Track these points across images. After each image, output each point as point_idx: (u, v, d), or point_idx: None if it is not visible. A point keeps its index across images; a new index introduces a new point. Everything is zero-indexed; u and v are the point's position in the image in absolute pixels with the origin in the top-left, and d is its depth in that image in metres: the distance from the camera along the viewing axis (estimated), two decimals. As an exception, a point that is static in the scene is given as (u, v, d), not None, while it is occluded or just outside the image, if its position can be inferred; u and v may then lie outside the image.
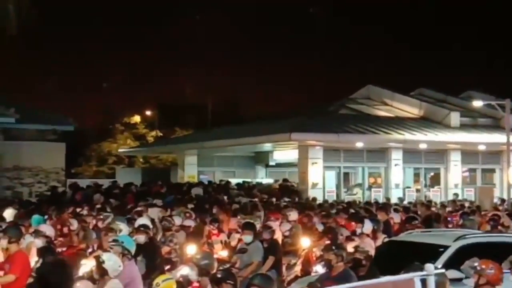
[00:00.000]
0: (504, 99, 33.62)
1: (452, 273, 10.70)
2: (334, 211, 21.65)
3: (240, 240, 15.25)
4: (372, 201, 30.14)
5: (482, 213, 22.58)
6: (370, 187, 36.18)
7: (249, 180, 37.56)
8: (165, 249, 14.53)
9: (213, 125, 50.57)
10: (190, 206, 22.91)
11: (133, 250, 11.30)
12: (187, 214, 19.04)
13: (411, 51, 71.22)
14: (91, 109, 67.35)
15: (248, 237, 14.19)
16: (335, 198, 32.79)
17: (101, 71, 71.72)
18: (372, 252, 13.20)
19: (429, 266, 5.75)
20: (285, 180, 35.66)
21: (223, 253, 15.71)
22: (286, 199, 28.24)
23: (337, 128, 33.77)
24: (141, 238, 13.63)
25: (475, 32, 72.74)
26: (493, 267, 9.15)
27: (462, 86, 46.71)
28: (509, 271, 9.40)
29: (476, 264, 9.18)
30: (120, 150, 53.50)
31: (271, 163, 42.18)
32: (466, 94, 44.09)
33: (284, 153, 39.11)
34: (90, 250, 14.72)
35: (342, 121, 35.65)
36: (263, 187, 34.48)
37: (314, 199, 28.94)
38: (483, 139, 36.19)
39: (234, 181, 36.16)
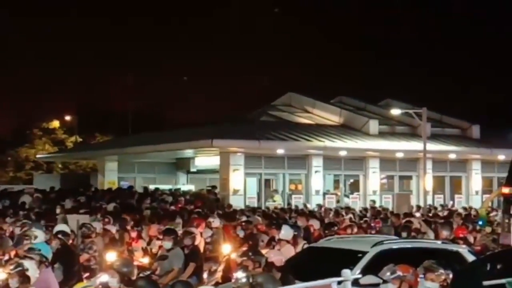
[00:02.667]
0: (421, 107, 34.45)
1: (370, 279, 10.91)
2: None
3: (161, 246, 15.17)
4: (293, 207, 30.46)
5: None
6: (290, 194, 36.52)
7: (171, 186, 37.42)
8: (84, 256, 14.32)
9: (137, 131, 50.06)
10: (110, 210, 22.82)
11: (49, 257, 11.12)
12: (106, 220, 18.81)
13: (332, 58, 72.22)
14: (8, 113, 65.64)
15: (168, 243, 14.14)
16: (256, 204, 32.95)
17: (18, 73, 70.01)
18: (282, 259, 13.22)
19: (345, 272, 5.86)
20: (214, 187, 35.34)
21: (144, 260, 15.59)
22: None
23: (258, 135, 33.94)
24: (56, 245, 13.42)
25: (394, 40, 74.23)
26: (413, 272, 9.40)
27: (381, 95, 47.65)
28: (423, 276, 9.63)
29: (395, 270, 9.38)
30: (38, 155, 52.47)
31: (192, 170, 42.06)
32: (385, 103, 44.96)
33: (206, 159, 39.05)
34: (6, 258, 14.37)
35: (263, 128, 35.86)
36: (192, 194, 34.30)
37: (230, 206, 28.86)
38: (400, 146, 36.94)
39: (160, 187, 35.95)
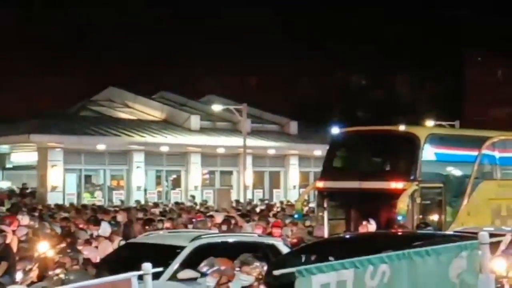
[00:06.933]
0: (241, 104, 35.09)
1: (188, 273, 11.01)
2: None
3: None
4: (114, 203, 30.15)
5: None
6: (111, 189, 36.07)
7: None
8: None
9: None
10: None
11: None
12: None
13: (155, 52, 71.91)
14: None
15: (-22, 243, 13.55)
16: (75, 201, 32.30)
17: None
18: (97, 255, 13.08)
19: (146, 265, 5.82)
20: (24, 184, 34.01)
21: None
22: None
23: (77, 130, 33.33)
24: None
25: (220, 37, 75.07)
26: (230, 265, 9.52)
27: (203, 91, 48.01)
28: (239, 269, 9.80)
29: (214, 263, 9.46)
30: None
31: (8, 166, 40.48)
32: (207, 99, 45.39)
33: (23, 155, 37.80)
34: None
35: (83, 123, 35.24)
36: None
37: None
38: (222, 142, 37.50)
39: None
